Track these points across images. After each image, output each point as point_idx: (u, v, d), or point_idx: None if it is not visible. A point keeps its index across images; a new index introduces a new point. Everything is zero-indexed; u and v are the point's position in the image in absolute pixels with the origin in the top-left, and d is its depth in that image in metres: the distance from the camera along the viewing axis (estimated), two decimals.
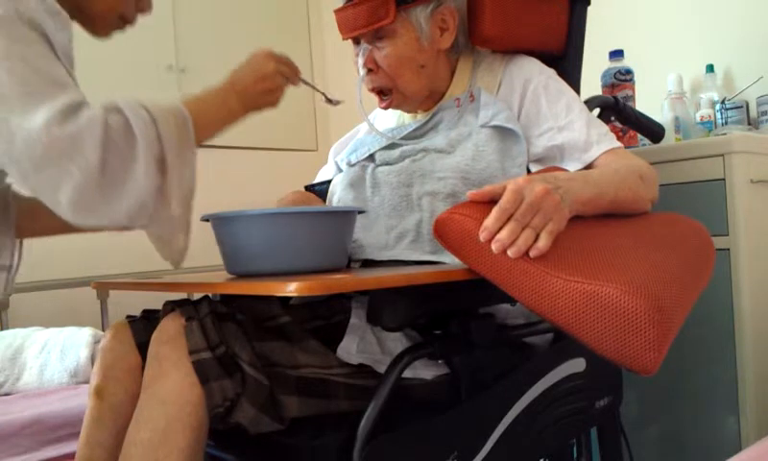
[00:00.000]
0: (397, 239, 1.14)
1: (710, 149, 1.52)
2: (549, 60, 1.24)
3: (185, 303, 0.94)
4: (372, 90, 1.21)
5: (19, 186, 0.81)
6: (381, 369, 0.95)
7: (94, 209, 0.79)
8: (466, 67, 1.24)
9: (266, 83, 1.01)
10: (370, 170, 1.23)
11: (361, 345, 0.99)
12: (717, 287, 1.43)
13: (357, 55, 1.20)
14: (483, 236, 0.83)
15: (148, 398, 0.86)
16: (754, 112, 1.83)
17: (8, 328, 2.00)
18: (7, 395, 1.73)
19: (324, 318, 1.14)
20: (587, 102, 1.33)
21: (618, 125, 1.65)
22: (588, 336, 0.77)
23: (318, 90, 1.19)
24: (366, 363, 0.97)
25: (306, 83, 1.12)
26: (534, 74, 1.18)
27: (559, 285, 0.79)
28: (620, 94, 1.73)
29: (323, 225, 0.96)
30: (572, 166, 1.12)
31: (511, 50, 1.24)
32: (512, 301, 0.88)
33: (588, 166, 1.11)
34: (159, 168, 0.82)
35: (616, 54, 1.82)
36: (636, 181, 1.04)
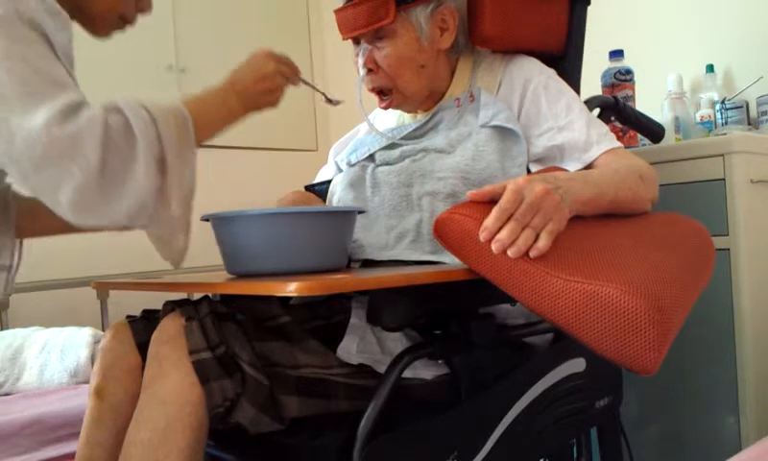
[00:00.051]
0: (397, 239, 1.14)
1: (710, 149, 1.52)
2: (549, 60, 1.24)
3: (185, 303, 0.94)
4: (372, 90, 1.21)
5: (19, 186, 0.81)
6: (381, 369, 0.95)
7: (94, 209, 0.79)
8: (466, 67, 1.24)
9: (266, 83, 1.00)
10: (370, 170, 1.23)
11: (361, 345, 0.99)
12: (717, 287, 1.43)
13: (357, 55, 1.20)
14: (483, 236, 0.83)
15: (148, 398, 0.86)
16: (754, 112, 1.83)
17: (8, 328, 2.00)
18: (7, 395, 1.73)
19: (323, 318, 1.14)
20: (587, 102, 1.33)
21: (618, 125, 1.65)
22: (588, 336, 0.77)
23: (318, 90, 1.19)
24: (366, 363, 0.97)
25: (306, 83, 1.12)
26: (534, 74, 1.18)
27: (559, 285, 0.79)
28: (620, 94, 1.73)
29: (323, 225, 0.96)
30: (572, 166, 1.12)
31: (511, 50, 1.24)
32: (512, 301, 0.88)
33: (589, 166, 1.11)
34: (159, 168, 0.82)
35: (616, 54, 1.82)
36: (635, 182, 1.04)
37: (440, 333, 0.98)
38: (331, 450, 0.88)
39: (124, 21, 1.02)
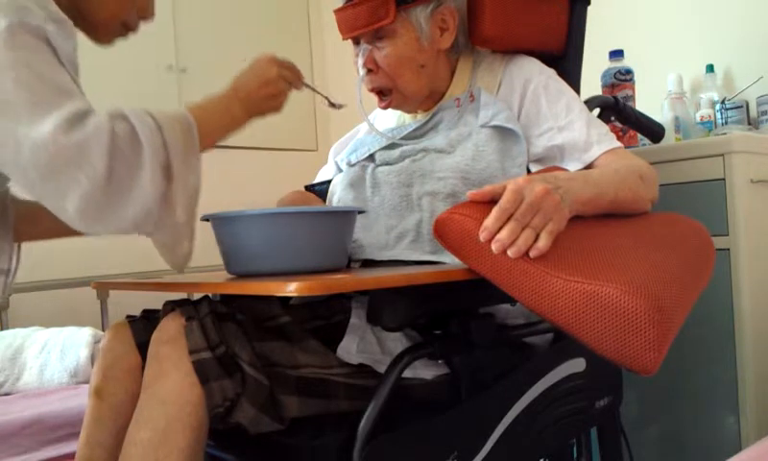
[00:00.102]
0: (397, 239, 1.14)
1: (710, 149, 1.52)
2: (549, 60, 1.24)
3: (185, 303, 0.94)
4: (372, 90, 1.21)
5: (26, 193, 0.81)
6: (381, 369, 0.95)
7: (101, 217, 0.80)
8: (466, 67, 1.24)
9: (269, 88, 1.01)
10: (370, 170, 1.23)
11: (361, 345, 0.99)
12: (717, 287, 1.42)
13: (357, 55, 1.19)
14: (483, 236, 0.83)
15: (148, 398, 0.86)
16: (754, 112, 1.83)
17: (8, 328, 2.00)
18: (7, 395, 1.73)
19: (323, 318, 1.14)
20: (587, 102, 1.33)
21: (618, 125, 1.65)
22: (588, 336, 0.77)
23: (321, 94, 1.19)
24: (366, 363, 0.97)
25: (310, 87, 1.12)
26: (534, 74, 1.18)
27: (559, 285, 0.79)
28: (620, 94, 1.73)
29: (323, 225, 0.96)
30: (572, 166, 1.12)
31: (511, 50, 1.24)
32: (512, 301, 0.88)
33: (589, 166, 1.11)
34: (165, 175, 0.83)
35: (616, 54, 1.82)
36: (635, 182, 1.04)
37: (440, 333, 0.98)
38: (331, 450, 0.88)
39: (126, 28, 1.02)
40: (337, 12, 1.17)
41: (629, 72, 1.80)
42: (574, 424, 1.14)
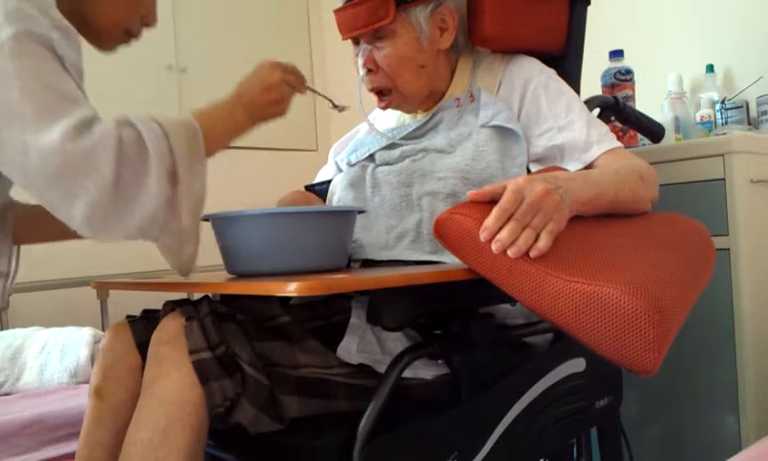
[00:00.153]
0: (397, 239, 1.14)
1: (710, 149, 1.52)
2: (549, 60, 1.24)
3: (185, 303, 0.94)
4: (372, 90, 1.21)
5: (33, 199, 0.82)
6: (381, 369, 0.95)
7: (108, 223, 0.80)
8: (466, 67, 1.24)
9: (272, 93, 1.01)
10: (370, 170, 1.23)
11: (361, 345, 0.99)
12: (717, 287, 1.43)
13: (357, 55, 1.19)
14: (483, 236, 0.83)
15: (148, 398, 0.86)
16: (754, 112, 1.83)
17: (8, 328, 2.00)
18: (7, 395, 1.73)
19: (323, 318, 1.14)
20: (587, 102, 1.33)
21: (618, 125, 1.65)
22: (588, 337, 0.77)
23: (325, 97, 1.19)
24: (366, 363, 0.97)
25: (313, 90, 1.12)
26: (534, 74, 1.18)
27: (559, 286, 0.79)
28: (620, 94, 1.73)
29: (323, 225, 0.96)
30: (572, 166, 1.12)
31: (511, 50, 1.24)
32: (512, 301, 0.88)
33: (589, 166, 1.11)
34: (171, 181, 0.83)
35: (616, 54, 1.82)
36: (635, 182, 1.04)
37: (440, 333, 0.98)
38: (331, 450, 0.88)
39: (129, 35, 1.03)
40: (337, 11, 1.17)
41: (629, 72, 1.80)
42: (574, 424, 1.14)
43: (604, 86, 1.81)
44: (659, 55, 2.06)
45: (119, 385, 1.01)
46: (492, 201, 0.86)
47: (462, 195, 1.08)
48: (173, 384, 0.85)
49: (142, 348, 0.99)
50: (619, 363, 0.77)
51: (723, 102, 1.82)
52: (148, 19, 1.04)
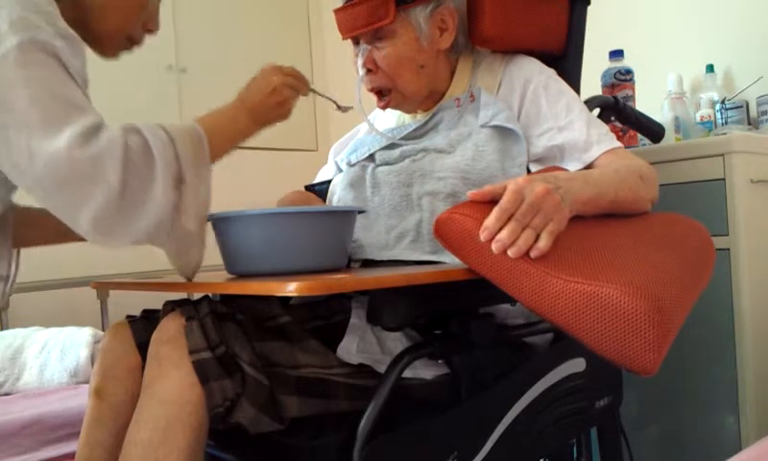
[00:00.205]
0: (397, 239, 1.14)
1: (710, 149, 1.52)
2: (549, 60, 1.24)
3: (185, 303, 0.94)
4: (372, 90, 1.21)
5: (40, 204, 0.83)
6: (381, 369, 0.95)
7: (114, 229, 0.81)
8: (465, 67, 1.24)
9: (275, 96, 1.02)
10: (370, 170, 1.23)
11: (361, 345, 0.99)
12: (717, 287, 1.43)
13: (357, 55, 1.19)
14: (483, 236, 0.83)
15: (148, 398, 0.86)
16: (754, 112, 1.83)
17: (8, 328, 2.00)
18: (7, 395, 1.73)
19: (323, 318, 1.14)
20: (587, 102, 1.33)
21: (618, 125, 1.65)
22: (588, 337, 0.77)
23: (328, 98, 1.19)
24: (366, 363, 0.97)
25: (316, 92, 1.13)
26: (534, 74, 1.18)
27: (559, 286, 0.79)
28: (620, 94, 1.73)
29: (323, 225, 0.96)
30: (572, 166, 1.12)
31: (511, 50, 1.24)
32: (512, 301, 0.88)
33: (589, 166, 1.11)
34: (177, 187, 0.84)
35: (616, 54, 1.82)
36: (635, 182, 1.04)
37: (440, 333, 0.98)
38: (331, 450, 0.88)
39: (131, 42, 1.04)
40: (337, 11, 1.17)
41: (629, 72, 1.80)
42: (574, 424, 1.14)
43: (604, 86, 1.81)
44: (659, 55, 2.06)
45: (119, 385, 1.01)
46: (493, 201, 0.86)
47: (462, 195, 1.08)
48: (173, 384, 0.85)
49: (142, 348, 0.99)
50: (619, 363, 0.77)
51: (723, 102, 1.82)
52: (150, 26, 1.04)
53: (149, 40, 1.06)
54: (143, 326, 1.03)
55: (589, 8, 1.34)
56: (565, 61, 1.31)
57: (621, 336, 0.75)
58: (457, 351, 0.97)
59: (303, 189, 1.37)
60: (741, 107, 1.80)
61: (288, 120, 1.07)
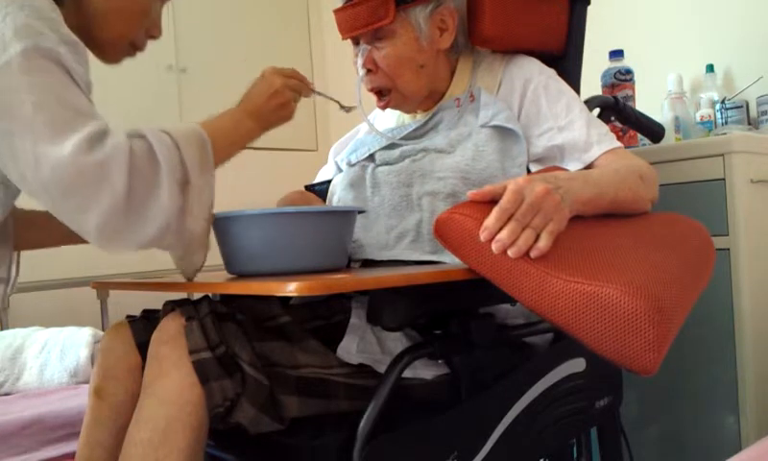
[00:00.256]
0: (397, 239, 1.14)
1: (710, 149, 1.52)
2: (549, 59, 1.24)
3: (185, 303, 0.94)
4: (372, 90, 1.21)
5: (46, 209, 0.83)
6: (381, 369, 0.95)
7: (120, 234, 0.82)
8: (465, 67, 1.24)
9: (276, 99, 1.03)
10: (370, 170, 1.23)
11: (361, 345, 0.99)
12: (717, 287, 1.43)
13: (357, 55, 1.19)
14: (483, 236, 0.83)
15: (148, 397, 0.86)
16: (754, 112, 1.83)
17: (8, 328, 2.00)
18: (7, 395, 1.72)
19: (323, 318, 1.14)
20: (587, 102, 1.33)
21: (618, 125, 1.65)
22: (588, 337, 0.77)
23: (332, 99, 1.19)
24: (366, 363, 0.97)
25: (319, 93, 1.13)
26: (534, 74, 1.18)
27: (559, 286, 0.79)
28: (620, 94, 1.73)
29: (323, 225, 0.96)
30: (572, 166, 1.12)
31: (511, 50, 1.24)
32: (512, 301, 0.88)
33: (589, 166, 1.11)
34: (182, 190, 0.85)
35: (616, 54, 1.82)
36: (635, 182, 1.04)
37: (440, 333, 0.98)
38: (331, 450, 0.88)
39: (134, 48, 1.04)
40: (337, 12, 1.17)
41: (629, 72, 1.80)
42: (574, 424, 1.14)
43: (604, 86, 1.81)
44: (659, 55, 2.06)
45: (119, 385, 1.01)
46: (493, 201, 0.86)
47: (462, 195, 1.08)
48: (173, 384, 0.85)
49: (142, 348, 0.99)
50: (619, 363, 0.77)
51: (723, 102, 1.82)
52: (153, 32, 1.05)
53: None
54: (143, 326, 1.03)
55: (589, 8, 1.34)
56: (565, 61, 1.31)
57: (621, 336, 0.75)
58: (457, 352, 0.97)
59: (303, 189, 1.37)
60: (741, 107, 1.81)
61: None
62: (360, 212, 1.09)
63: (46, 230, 1.10)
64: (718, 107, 1.82)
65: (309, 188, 1.38)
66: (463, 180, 1.10)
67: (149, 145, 0.83)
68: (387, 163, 1.22)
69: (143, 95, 2.47)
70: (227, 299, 1.00)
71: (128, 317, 1.06)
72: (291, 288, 0.73)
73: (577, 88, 1.30)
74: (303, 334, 0.98)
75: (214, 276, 1.04)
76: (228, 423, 0.88)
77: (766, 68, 1.86)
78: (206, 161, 0.89)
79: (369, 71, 1.18)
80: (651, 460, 1.62)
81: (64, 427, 1.46)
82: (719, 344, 1.50)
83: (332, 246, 0.97)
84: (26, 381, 1.76)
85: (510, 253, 0.82)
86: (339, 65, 3.00)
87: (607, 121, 1.42)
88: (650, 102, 1.86)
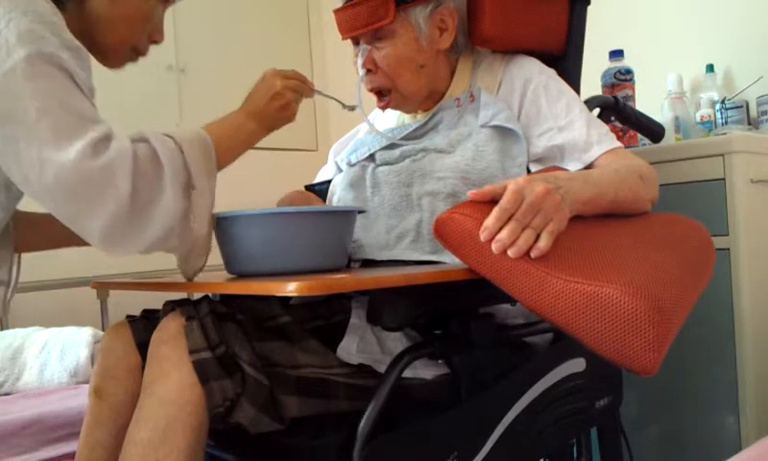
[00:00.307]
0: (397, 239, 1.14)
1: (710, 149, 1.52)
2: (549, 59, 1.24)
3: (185, 303, 0.94)
4: (372, 90, 1.21)
5: (50, 212, 0.84)
6: (381, 369, 0.95)
7: (124, 238, 0.82)
8: (465, 67, 1.24)
9: (277, 100, 1.03)
10: (370, 170, 1.23)
11: (361, 345, 0.99)
12: (717, 287, 1.42)
13: (357, 55, 1.19)
14: (483, 236, 0.83)
15: (148, 397, 0.86)
16: (754, 112, 1.83)
17: (8, 328, 2.00)
18: (7, 395, 1.72)
19: (323, 318, 1.14)
20: (587, 102, 1.33)
21: (618, 125, 1.65)
22: (588, 337, 0.77)
23: (333, 99, 1.19)
24: (366, 363, 0.97)
25: (321, 93, 1.13)
26: (534, 74, 1.18)
27: (559, 286, 0.79)
28: (620, 94, 1.73)
29: (323, 225, 0.96)
30: (572, 166, 1.12)
31: (511, 50, 1.24)
32: (512, 301, 0.88)
33: (589, 166, 1.11)
34: (185, 195, 0.86)
35: (616, 54, 1.82)
36: (635, 182, 1.04)
37: (440, 333, 0.98)
38: (331, 450, 0.88)
39: (137, 53, 1.04)
40: (337, 12, 1.17)
41: (629, 72, 1.80)
42: (574, 424, 1.14)
43: (604, 86, 1.81)
44: (659, 55, 2.06)
45: (119, 385, 1.01)
46: (493, 201, 0.86)
47: (462, 195, 1.08)
48: (173, 384, 0.85)
49: (142, 348, 0.99)
50: (619, 363, 0.77)
51: (723, 102, 1.82)
52: (156, 37, 1.05)
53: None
54: (143, 325, 1.03)
55: (589, 8, 1.34)
56: (565, 61, 1.31)
57: (621, 336, 0.75)
58: (457, 352, 0.97)
59: (303, 189, 1.37)
60: (741, 107, 1.80)
61: None
62: (360, 212, 1.09)
63: (47, 233, 1.11)
64: (718, 107, 1.82)
65: (309, 188, 1.38)
66: (463, 180, 1.10)
67: (153, 149, 0.84)
68: (387, 163, 1.22)
69: (143, 95, 2.47)
70: (227, 299, 1.00)
71: (128, 317, 1.06)
72: (291, 288, 0.73)
73: (577, 88, 1.30)
74: (303, 334, 0.98)
75: (214, 276, 1.04)
76: (227, 423, 0.88)
77: (766, 68, 1.86)
78: (210, 165, 0.90)
79: (369, 71, 1.18)
80: (651, 460, 1.62)
81: (64, 427, 1.46)
82: (719, 344, 1.50)
83: (332, 246, 0.97)
84: (26, 381, 1.76)
85: (510, 253, 0.82)
86: (339, 65, 3.00)
87: (607, 121, 1.42)
88: (650, 102, 1.86)
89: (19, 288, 1.10)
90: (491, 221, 0.83)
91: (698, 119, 1.84)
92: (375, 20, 1.12)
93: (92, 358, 1.76)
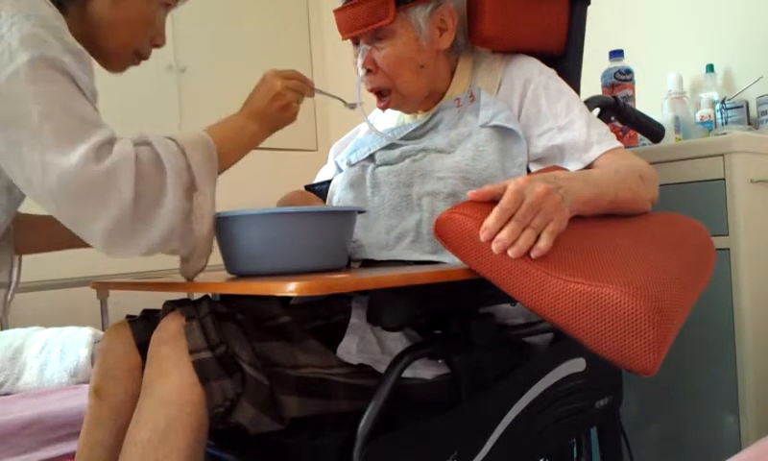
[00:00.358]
0: (397, 239, 1.14)
1: (710, 149, 1.52)
2: (549, 59, 1.24)
3: (185, 303, 0.94)
4: (372, 91, 1.21)
5: (53, 215, 0.84)
6: (381, 369, 0.95)
7: (127, 240, 0.83)
8: (465, 67, 1.24)
9: (278, 101, 1.03)
10: (370, 170, 1.23)
11: (361, 345, 0.99)
12: (717, 287, 1.42)
13: (357, 55, 1.19)
14: (483, 236, 0.83)
15: (148, 397, 0.86)
16: (754, 112, 1.83)
17: (8, 328, 2.00)
18: (7, 395, 1.72)
19: (323, 318, 1.14)
20: (587, 102, 1.33)
21: (618, 125, 1.65)
22: (588, 337, 0.77)
23: (335, 97, 1.19)
24: (366, 363, 0.97)
25: (322, 92, 1.13)
26: (534, 74, 1.18)
27: (559, 286, 0.79)
28: (620, 94, 1.73)
29: (323, 225, 0.96)
30: (572, 166, 1.12)
31: (511, 50, 1.24)
32: (512, 301, 0.88)
33: (589, 166, 1.11)
34: (188, 197, 0.86)
35: (616, 54, 1.82)
36: (636, 182, 1.04)
37: (440, 333, 0.98)
38: (331, 450, 0.88)
39: (139, 57, 1.04)
40: (337, 12, 1.17)
41: (629, 72, 1.80)
42: (574, 424, 1.14)
43: (604, 86, 1.81)
44: (659, 55, 2.06)
45: (119, 385, 1.01)
46: (493, 201, 0.86)
47: (462, 195, 1.08)
48: (173, 384, 0.85)
49: (142, 348, 0.99)
50: (619, 363, 0.77)
51: (723, 102, 1.82)
52: (157, 40, 1.05)
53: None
54: (143, 326, 1.03)
55: (589, 8, 1.34)
56: (565, 61, 1.31)
57: (621, 336, 0.75)
58: (457, 352, 0.97)
59: (303, 189, 1.37)
60: (741, 107, 1.80)
61: None
62: (360, 212, 1.09)
63: (48, 235, 1.11)
64: (718, 107, 1.82)
65: (309, 188, 1.38)
66: (463, 180, 1.10)
67: (155, 152, 0.84)
68: (387, 163, 1.22)
69: (143, 95, 2.47)
70: (227, 299, 1.00)
71: (128, 317, 1.06)
72: (291, 288, 0.73)
73: (577, 88, 1.30)
74: (303, 334, 0.98)
75: (214, 276, 1.04)
76: (227, 423, 0.88)
77: (766, 68, 1.86)
78: (212, 167, 0.90)
79: (369, 71, 1.18)
80: (651, 460, 1.62)
81: (64, 427, 1.46)
82: (719, 344, 1.50)
83: (332, 246, 0.97)
84: (26, 381, 1.76)
85: (510, 253, 0.82)
86: (339, 65, 3.00)
87: (607, 121, 1.42)
88: (650, 102, 1.86)
89: (19, 288, 1.10)
90: (491, 221, 0.83)
91: (698, 119, 1.84)
92: (375, 20, 1.12)
93: (92, 358, 1.76)
